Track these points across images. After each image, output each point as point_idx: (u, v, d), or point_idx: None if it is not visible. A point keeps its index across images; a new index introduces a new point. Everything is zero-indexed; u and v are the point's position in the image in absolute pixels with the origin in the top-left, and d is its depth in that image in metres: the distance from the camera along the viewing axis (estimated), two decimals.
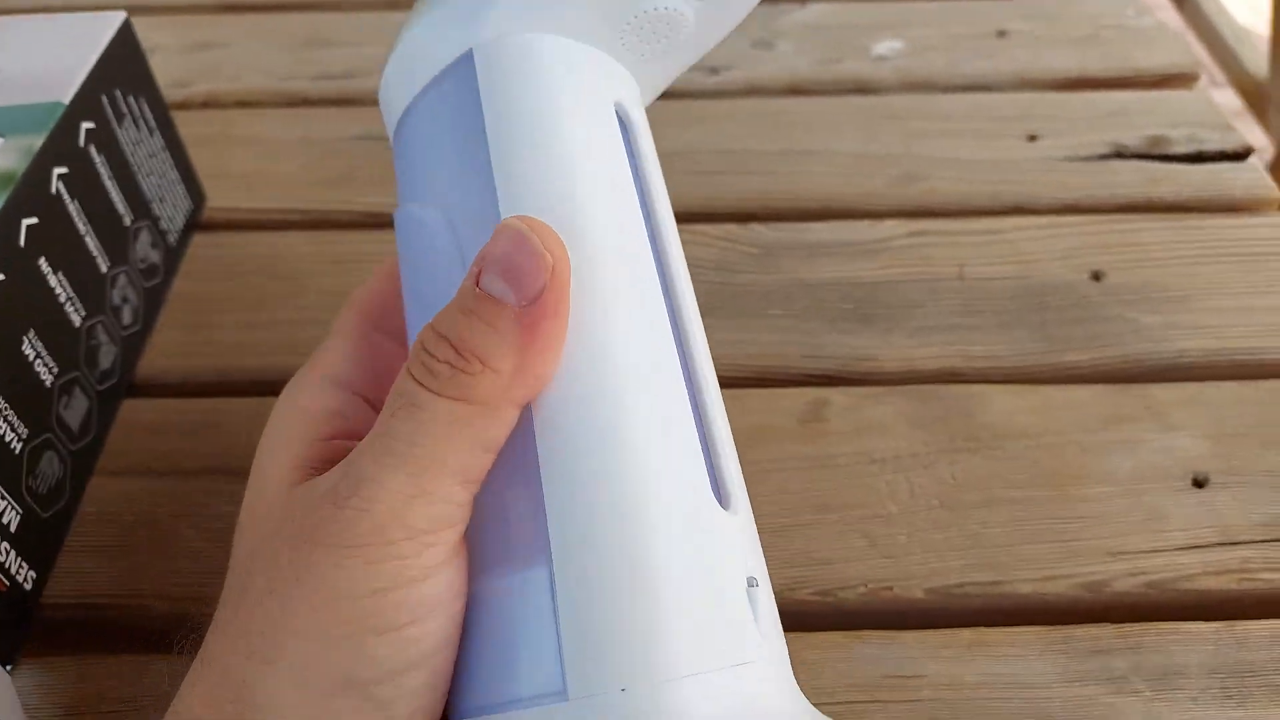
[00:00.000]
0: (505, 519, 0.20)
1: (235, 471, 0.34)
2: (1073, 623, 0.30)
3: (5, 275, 0.29)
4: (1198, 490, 0.34)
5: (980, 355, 0.38)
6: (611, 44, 0.24)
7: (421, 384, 0.19)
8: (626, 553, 0.18)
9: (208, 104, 0.49)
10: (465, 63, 0.23)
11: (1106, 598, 0.31)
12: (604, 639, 0.18)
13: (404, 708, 0.19)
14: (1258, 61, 1.48)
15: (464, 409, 0.19)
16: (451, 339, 0.19)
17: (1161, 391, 0.36)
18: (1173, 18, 1.76)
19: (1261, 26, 1.46)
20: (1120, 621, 0.30)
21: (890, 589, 0.31)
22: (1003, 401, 0.36)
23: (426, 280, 0.22)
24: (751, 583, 0.19)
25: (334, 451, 0.22)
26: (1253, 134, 1.50)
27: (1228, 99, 1.57)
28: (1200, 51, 1.72)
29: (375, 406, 0.24)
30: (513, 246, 0.19)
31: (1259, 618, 0.30)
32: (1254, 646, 0.29)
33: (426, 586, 0.19)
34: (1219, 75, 1.63)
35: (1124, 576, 0.31)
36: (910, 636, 0.30)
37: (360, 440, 0.20)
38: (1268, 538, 0.32)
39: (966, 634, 0.30)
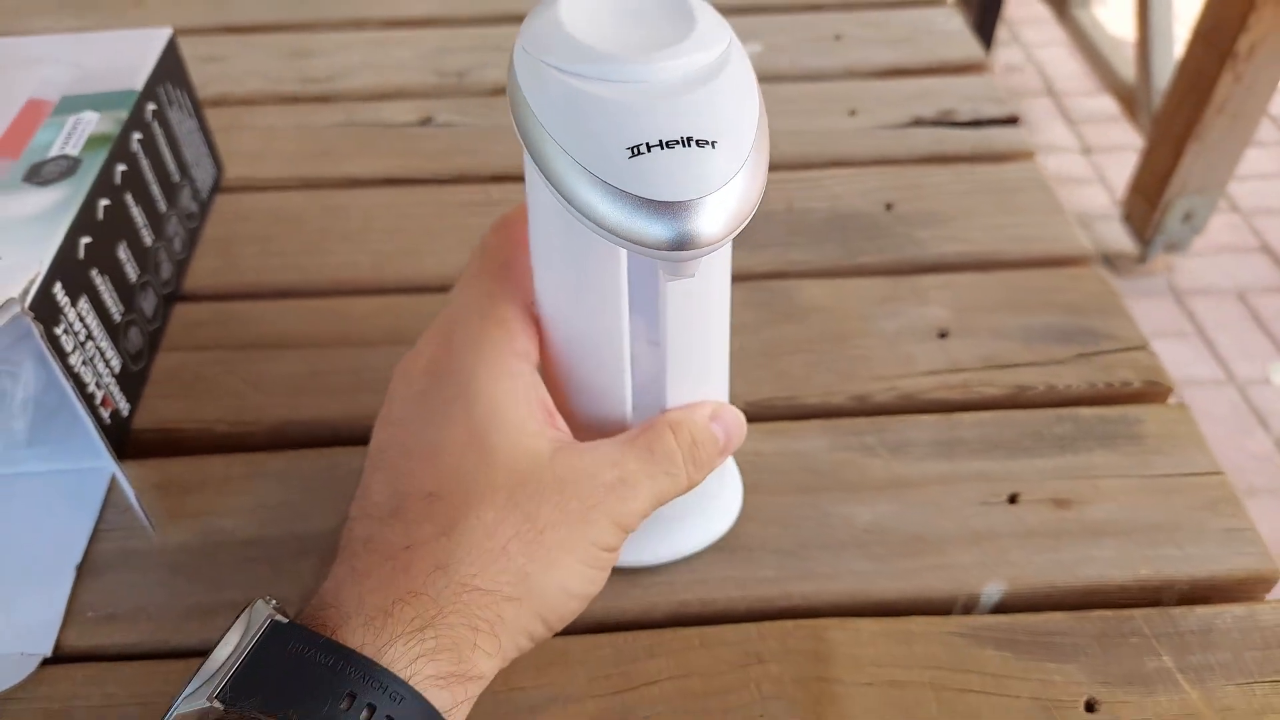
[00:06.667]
0: None
1: (261, 345, 0.48)
2: (841, 418, 0.45)
3: (110, 201, 0.42)
4: (941, 340, 0.48)
5: (799, 260, 0.53)
6: None
7: (685, 461, 0.31)
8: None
9: (218, 103, 0.63)
10: None
11: (868, 405, 0.46)
12: None
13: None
14: (1129, 71, 1.66)
15: (685, 489, 0.32)
16: (701, 448, 0.32)
17: (923, 280, 0.51)
18: (1057, 34, 1.94)
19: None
20: (873, 416, 0.45)
21: None
22: (811, 290, 0.51)
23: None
24: None
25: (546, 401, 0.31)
26: (1126, 134, 1.68)
27: (1105, 104, 1.76)
28: (1079, 63, 1.91)
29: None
30: (736, 427, 0.34)
31: (967, 411, 0.45)
32: (963, 427, 0.44)
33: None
34: (1095, 84, 1.81)
35: (882, 392, 0.46)
36: None
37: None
38: (983, 366, 0.47)
39: (768, 426, 0.44)
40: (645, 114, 0.24)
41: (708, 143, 0.23)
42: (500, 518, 0.28)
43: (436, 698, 0.25)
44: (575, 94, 0.25)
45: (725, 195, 0.23)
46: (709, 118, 0.24)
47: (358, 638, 0.25)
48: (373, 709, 0.24)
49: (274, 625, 0.26)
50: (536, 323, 0.33)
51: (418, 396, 0.31)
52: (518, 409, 0.29)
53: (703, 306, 0.32)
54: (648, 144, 0.23)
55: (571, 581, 0.29)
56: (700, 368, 0.33)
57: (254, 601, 0.27)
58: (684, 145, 0.23)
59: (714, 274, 0.31)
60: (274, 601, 0.27)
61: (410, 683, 0.25)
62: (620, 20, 0.26)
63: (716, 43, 0.26)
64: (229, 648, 0.25)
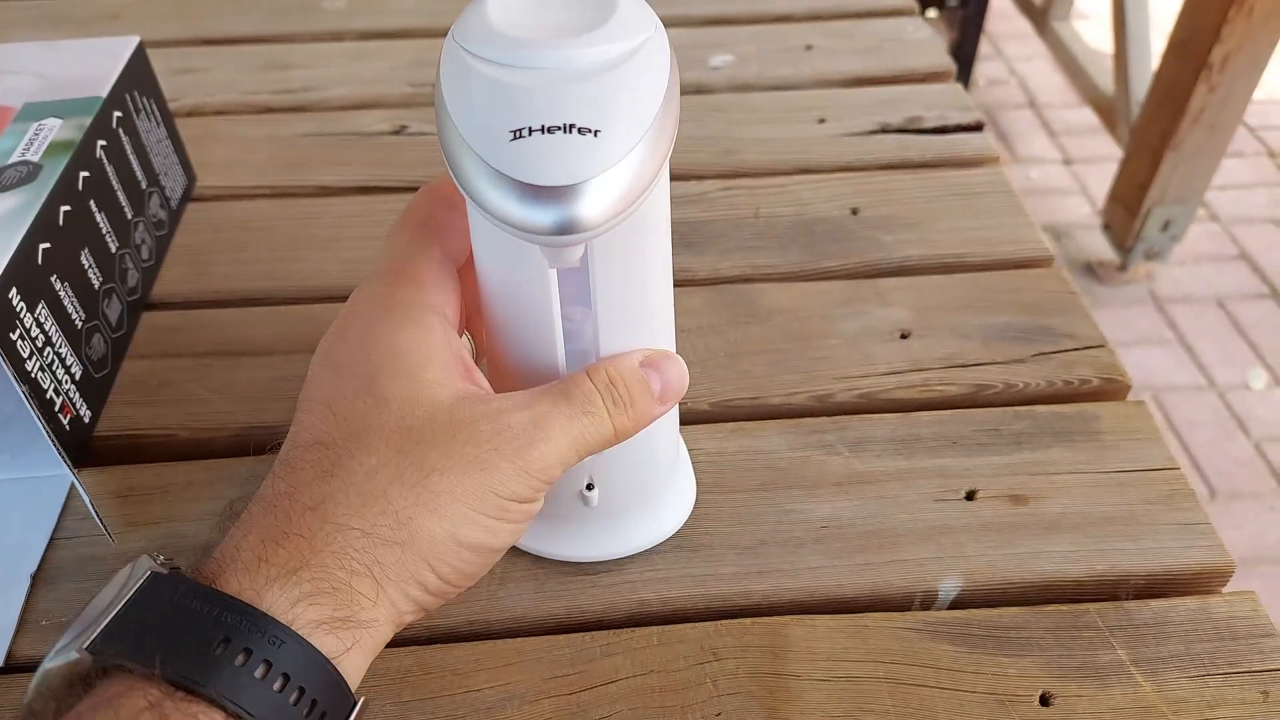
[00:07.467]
0: None
1: (228, 354, 0.48)
2: (803, 417, 0.45)
3: (71, 207, 0.43)
4: (902, 340, 0.49)
5: (764, 265, 0.53)
6: None
7: (605, 400, 0.29)
8: None
9: (193, 113, 0.64)
10: None
11: (829, 405, 0.46)
12: None
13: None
14: (1108, 83, 1.67)
15: (611, 433, 0.30)
16: (622, 388, 0.30)
17: (886, 283, 0.52)
18: (1039, 48, 1.95)
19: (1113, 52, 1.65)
20: (834, 415, 0.45)
21: (685, 403, 0.46)
22: (775, 292, 0.51)
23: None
24: None
25: (463, 356, 0.31)
26: (1107, 145, 1.69)
27: (1086, 116, 1.77)
28: (1060, 76, 1.92)
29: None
30: (675, 375, 0.32)
31: (926, 410, 0.45)
32: (921, 425, 0.44)
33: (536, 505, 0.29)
34: (1075, 97, 1.82)
35: (843, 391, 0.46)
36: (695, 429, 0.44)
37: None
38: (943, 365, 0.47)
39: (730, 426, 0.44)
40: (534, 99, 0.24)
41: (590, 130, 0.24)
42: (382, 462, 0.27)
43: (322, 642, 0.25)
44: (475, 78, 0.25)
45: (603, 183, 0.24)
46: (598, 106, 0.24)
47: (234, 584, 0.25)
48: (249, 653, 0.23)
49: (153, 576, 0.25)
50: (466, 281, 0.32)
51: (323, 357, 0.30)
52: (415, 356, 0.28)
53: (632, 272, 0.31)
54: (530, 128, 0.24)
55: (463, 530, 0.27)
56: (634, 330, 0.32)
57: (139, 556, 0.26)
58: (565, 131, 0.24)
59: (643, 247, 0.31)
60: (160, 557, 0.26)
61: (293, 627, 0.24)
62: (544, 11, 0.26)
63: (633, 34, 0.26)
64: (105, 600, 0.25)
